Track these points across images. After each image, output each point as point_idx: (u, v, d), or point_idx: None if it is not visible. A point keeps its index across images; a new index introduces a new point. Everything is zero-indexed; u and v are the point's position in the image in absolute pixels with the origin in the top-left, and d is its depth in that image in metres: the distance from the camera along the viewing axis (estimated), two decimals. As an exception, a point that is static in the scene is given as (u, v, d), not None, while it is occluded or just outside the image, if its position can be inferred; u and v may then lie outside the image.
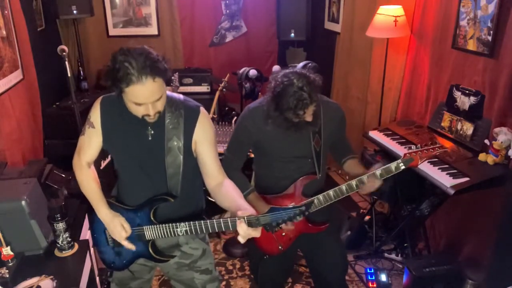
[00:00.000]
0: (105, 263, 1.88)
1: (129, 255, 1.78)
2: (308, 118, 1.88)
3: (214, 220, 1.55)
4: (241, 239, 1.48)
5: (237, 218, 1.48)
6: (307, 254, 2.32)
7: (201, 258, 1.86)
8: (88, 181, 1.76)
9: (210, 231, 1.61)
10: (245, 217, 1.47)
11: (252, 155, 2.24)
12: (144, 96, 1.49)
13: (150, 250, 1.73)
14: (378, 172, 1.87)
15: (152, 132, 1.66)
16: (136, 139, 1.67)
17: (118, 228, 1.69)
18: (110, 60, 1.49)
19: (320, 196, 1.96)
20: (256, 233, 1.47)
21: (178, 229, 1.63)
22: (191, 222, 1.60)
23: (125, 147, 1.70)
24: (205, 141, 1.69)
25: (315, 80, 1.86)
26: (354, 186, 1.94)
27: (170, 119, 1.65)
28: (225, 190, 1.66)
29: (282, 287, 2.57)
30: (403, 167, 1.86)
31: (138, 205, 1.73)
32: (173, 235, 1.65)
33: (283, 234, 2.09)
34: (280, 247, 2.11)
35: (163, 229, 1.66)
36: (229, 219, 1.50)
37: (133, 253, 1.76)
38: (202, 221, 1.59)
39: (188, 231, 1.62)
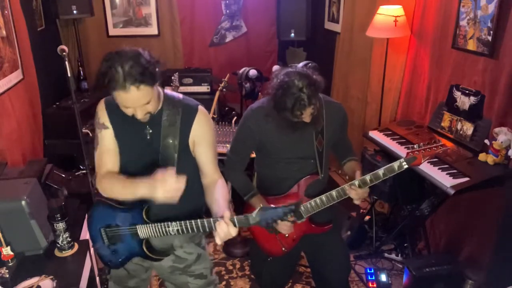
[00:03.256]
0: (102, 261, 1.88)
1: (124, 253, 1.77)
2: (307, 119, 1.88)
3: (205, 220, 1.55)
4: (219, 240, 1.48)
5: (218, 218, 1.49)
6: (309, 255, 2.32)
7: (195, 263, 1.86)
8: (114, 182, 1.66)
9: (201, 231, 1.61)
10: (235, 217, 1.48)
11: (253, 155, 2.23)
12: (130, 101, 1.50)
13: (145, 249, 1.73)
14: (381, 171, 1.85)
15: (150, 131, 1.66)
16: (136, 137, 1.68)
17: (170, 181, 1.49)
18: (101, 62, 1.49)
19: (323, 197, 1.95)
20: (234, 230, 1.47)
21: (170, 228, 1.63)
22: (183, 221, 1.60)
23: (125, 145, 1.70)
24: (203, 140, 1.69)
25: (316, 81, 1.84)
26: (357, 185, 1.92)
27: (167, 116, 1.65)
28: (215, 189, 1.67)
29: (283, 288, 2.57)
30: (406, 166, 1.82)
31: (130, 203, 1.71)
32: (165, 234, 1.65)
33: (286, 235, 2.09)
34: (283, 249, 2.11)
35: (155, 228, 1.66)
36: (218, 218, 1.51)
37: (128, 251, 1.76)
38: (193, 220, 1.58)
39: (180, 230, 1.61)
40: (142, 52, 1.50)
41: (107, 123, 1.69)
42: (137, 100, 1.49)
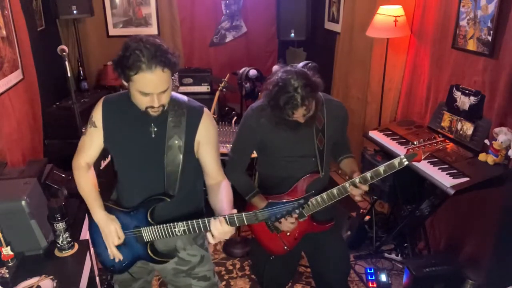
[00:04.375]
0: (105, 267, 1.87)
1: (128, 258, 1.77)
2: (300, 119, 1.88)
3: (212, 218, 1.55)
4: (212, 240, 1.50)
5: (222, 215, 1.51)
6: (309, 255, 2.31)
7: (199, 265, 1.86)
8: (86, 182, 1.76)
9: (208, 230, 1.60)
10: (243, 214, 1.48)
11: (254, 155, 2.23)
12: (152, 85, 1.50)
13: (149, 252, 1.73)
14: (381, 168, 1.84)
15: (155, 129, 1.66)
16: (139, 136, 1.68)
17: (112, 233, 1.69)
18: (121, 48, 1.51)
19: (324, 195, 1.94)
20: (231, 230, 1.50)
21: (176, 229, 1.62)
22: (189, 221, 1.60)
23: (126, 145, 1.70)
24: (208, 141, 1.70)
25: (314, 83, 1.83)
26: (357, 183, 1.91)
27: (172, 117, 1.65)
28: (220, 190, 1.67)
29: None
30: (406, 163, 1.80)
31: (135, 206, 1.72)
32: (171, 235, 1.65)
33: (288, 234, 2.09)
34: (285, 247, 2.11)
35: (160, 229, 1.65)
36: (227, 216, 1.52)
37: (132, 255, 1.76)
38: (200, 220, 1.58)
39: (186, 230, 1.61)
40: (161, 41, 1.54)
41: (98, 122, 1.70)
42: (160, 83, 1.51)
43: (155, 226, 1.67)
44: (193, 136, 1.67)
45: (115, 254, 1.72)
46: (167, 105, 1.62)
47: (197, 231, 1.62)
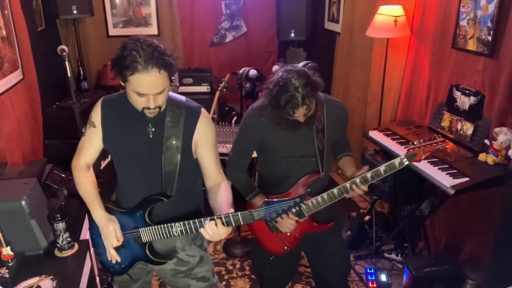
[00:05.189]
0: (105, 268, 1.87)
1: (127, 259, 1.77)
2: (300, 118, 1.88)
3: (207, 218, 1.55)
4: (207, 236, 1.52)
5: (217, 216, 1.51)
6: (309, 255, 2.31)
7: (198, 266, 1.85)
8: (86, 182, 1.76)
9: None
10: (239, 214, 1.48)
11: (254, 155, 2.23)
12: (147, 86, 1.50)
13: (148, 253, 1.73)
14: (382, 168, 1.85)
15: (153, 129, 1.66)
16: (137, 137, 1.68)
17: (112, 234, 1.68)
18: (119, 48, 1.51)
19: (324, 195, 1.94)
20: (226, 231, 1.52)
21: (173, 230, 1.62)
22: (186, 222, 1.60)
23: (125, 145, 1.70)
24: (206, 142, 1.70)
25: (314, 83, 1.84)
26: (358, 183, 1.91)
27: (170, 117, 1.65)
28: (219, 192, 1.67)
29: (283, 288, 2.57)
30: (406, 163, 1.81)
31: (133, 207, 1.72)
32: (168, 235, 1.65)
33: (288, 234, 2.09)
34: (285, 247, 2.11)
35: (158, 230, 1.65)
36: (223, 216, 1.52)
37: (131, 257, 1.76)
38: (196, 220, 1.58)
39: (183, 231, 1.61)
40: (158, 42, 1.54)
41: (97, 123, 1.71)
42: (155, 85, 1.51)
43: (153, 227, 1.66)
44: (190, 137, 1.67)
45: (113, 256, 1.72)
46: (163, 107, 1.62)
47: (194, 232, 1.61)
